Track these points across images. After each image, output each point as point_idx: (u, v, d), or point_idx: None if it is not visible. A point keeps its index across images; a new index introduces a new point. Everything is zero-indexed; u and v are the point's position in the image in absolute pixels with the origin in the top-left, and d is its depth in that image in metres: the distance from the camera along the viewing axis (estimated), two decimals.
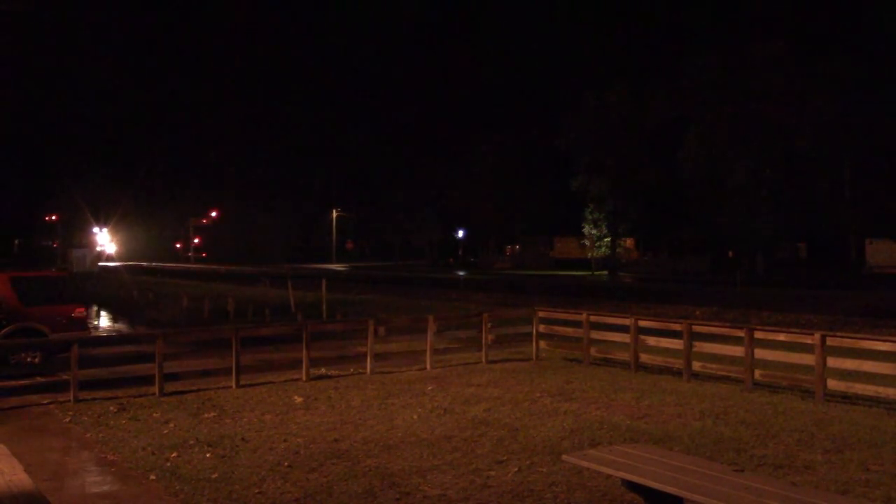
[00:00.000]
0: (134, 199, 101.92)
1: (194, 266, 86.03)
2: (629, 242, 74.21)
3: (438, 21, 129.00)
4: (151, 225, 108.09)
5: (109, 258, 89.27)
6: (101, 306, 29.83)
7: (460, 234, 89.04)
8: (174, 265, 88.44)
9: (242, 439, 9.00)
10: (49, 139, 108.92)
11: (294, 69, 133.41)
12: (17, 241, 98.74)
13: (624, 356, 13.82)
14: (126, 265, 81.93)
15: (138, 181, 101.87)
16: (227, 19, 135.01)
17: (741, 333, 11.97)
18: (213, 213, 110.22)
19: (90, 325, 22.54)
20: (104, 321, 25.52)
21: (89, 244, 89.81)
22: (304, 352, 12.97)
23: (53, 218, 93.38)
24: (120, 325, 24.28)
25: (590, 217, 64.87)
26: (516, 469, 7.74)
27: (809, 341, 11.18)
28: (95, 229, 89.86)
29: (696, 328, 13.06)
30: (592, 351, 14.43)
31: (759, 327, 12.59)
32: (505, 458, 8.14)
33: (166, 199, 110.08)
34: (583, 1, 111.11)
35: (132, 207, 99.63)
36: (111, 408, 10.84)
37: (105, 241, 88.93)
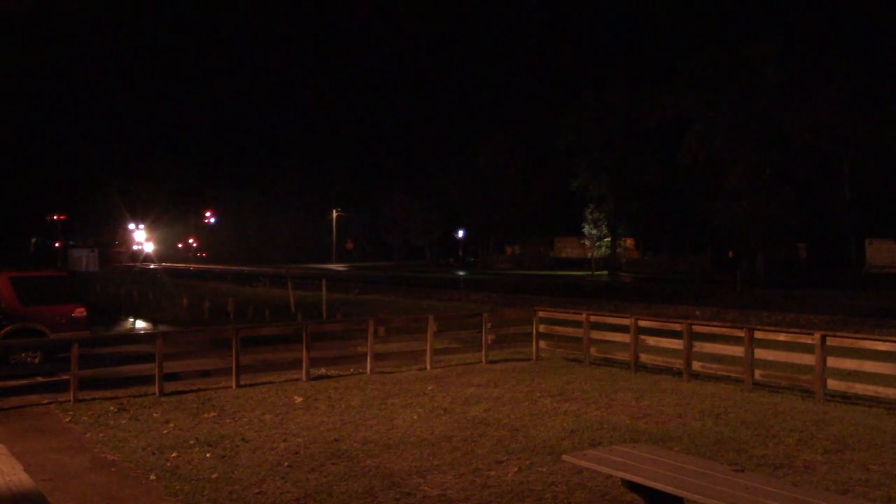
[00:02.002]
0: (168, 197, 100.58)
1: (196, 266, 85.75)
2: (629, 242, 74.24)
3: (439, 21, 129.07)
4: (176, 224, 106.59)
5: (148, 257, 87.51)
6: (100, 306, 29.80)
7: (460, 234, 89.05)
8: (175, 265, 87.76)
9: (242, 439, 9.00)
10: (65, 138, 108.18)
11: (295, 69, 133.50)
12: (34, 240, 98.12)
13: (624, 356, 13.82)
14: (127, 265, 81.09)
15: (171, 181, 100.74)
16: (228, 18, 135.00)
17: (741, 333, 11.96)
18: (210, 213, 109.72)
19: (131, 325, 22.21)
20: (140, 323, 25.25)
21: (127, 242, 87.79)
22: (304, 352, 12.97)
23: (55, 218, 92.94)
24: (164, 327, 23.83)
25: (590, 217, 64.93)
26: (516, 469, 7.74)
27: (809, 341, 11.17)
28: (131, 225, 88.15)
29: (696, 328, 13.05)
30: (592, 351, 14.43)
31: (759, 327, 12.58)
32: (505, 458, 8.14)
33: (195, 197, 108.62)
34: (583, 1, 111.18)
35: (168, 206, 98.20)
36: (111, 408, 10.83)
37: (142, 238, 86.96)
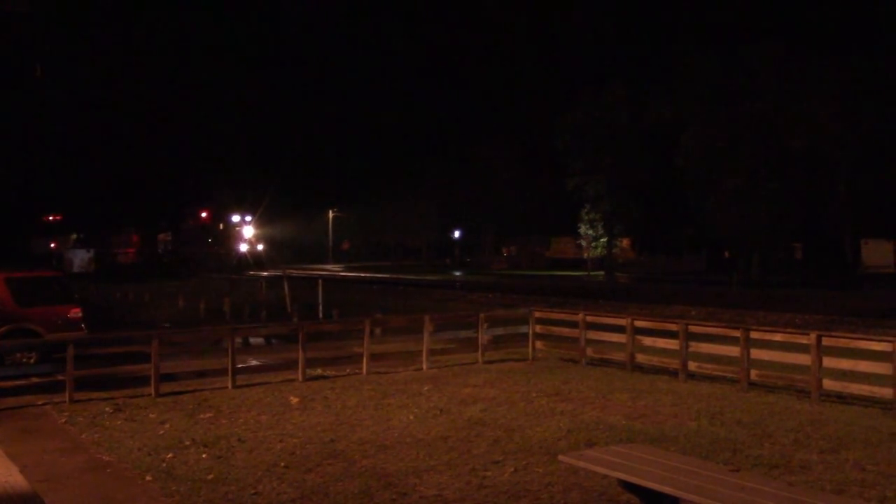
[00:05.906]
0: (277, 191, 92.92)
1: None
2: (625, 243, 74.30)
3: (437, 21, 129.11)
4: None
5: (259, 259, 73.88)
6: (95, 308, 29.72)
7: (457, 234, 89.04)
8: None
9: (238, 440, 8.99)
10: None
11: (293, 68, 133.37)
12: (73, 236, 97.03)
13: (620, 356, 13.83)
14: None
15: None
16: (226, 16, 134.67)
17: (737, 334, 11.99)
18: (207, 214, 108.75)
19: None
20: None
21: (235, 239, 78.59)
22: (300, 352, 12.95)
23: (51, 218, 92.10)
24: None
25: (586, 217, 64.89)
26: (512, 469, 7.74)
27: (805, 341, 11.20)
28: (236, 217, 76.39)
29: (692, 328, 13.06)
30: (589, 351, 14.44)
31: (754, 327, 12.61)
32: (501, 458, 8.14)
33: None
34: (581, 1, 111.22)
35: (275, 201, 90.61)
36: (107, 408, 10.82)
37: (250, 235, 76.66)
